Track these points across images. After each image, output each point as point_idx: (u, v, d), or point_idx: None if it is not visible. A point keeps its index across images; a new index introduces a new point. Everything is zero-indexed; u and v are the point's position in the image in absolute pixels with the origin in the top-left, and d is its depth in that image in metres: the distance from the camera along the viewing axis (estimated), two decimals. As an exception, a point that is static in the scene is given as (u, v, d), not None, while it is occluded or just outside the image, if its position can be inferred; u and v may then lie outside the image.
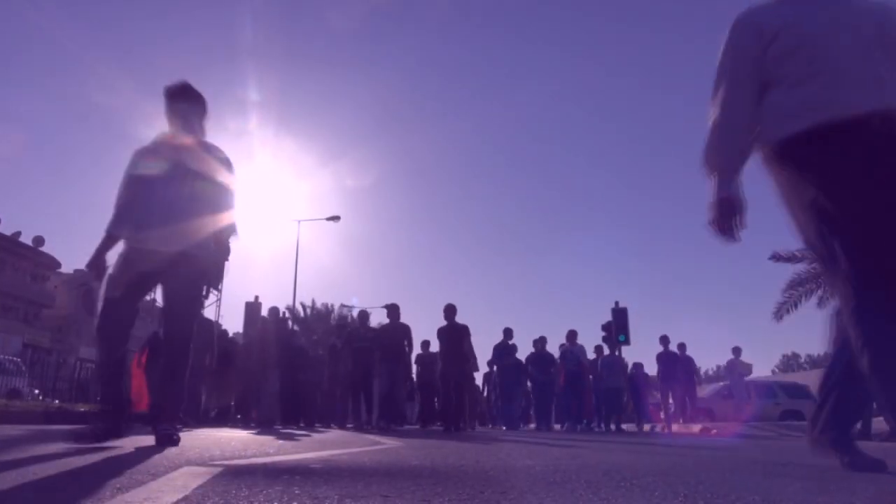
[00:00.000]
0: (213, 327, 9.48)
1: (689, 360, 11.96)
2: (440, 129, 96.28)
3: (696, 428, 11.15)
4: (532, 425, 12.93)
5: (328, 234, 68.55)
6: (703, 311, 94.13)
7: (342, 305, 33.61)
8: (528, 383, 11.98)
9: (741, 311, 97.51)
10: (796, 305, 16.54)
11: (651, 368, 12.05)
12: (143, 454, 2.48)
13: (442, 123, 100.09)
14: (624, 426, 11.75)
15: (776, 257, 16.80)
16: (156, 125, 3.46)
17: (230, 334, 12.34)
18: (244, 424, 8.91)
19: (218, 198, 3.39)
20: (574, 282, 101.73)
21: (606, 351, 12.16)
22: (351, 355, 9.33)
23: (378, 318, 13.44)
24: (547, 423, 11.49)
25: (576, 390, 11.42)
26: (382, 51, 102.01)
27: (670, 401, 11.74)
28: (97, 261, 3.23)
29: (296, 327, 19.93)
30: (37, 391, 16.20)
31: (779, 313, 16.84)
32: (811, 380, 17.99)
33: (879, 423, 8.43)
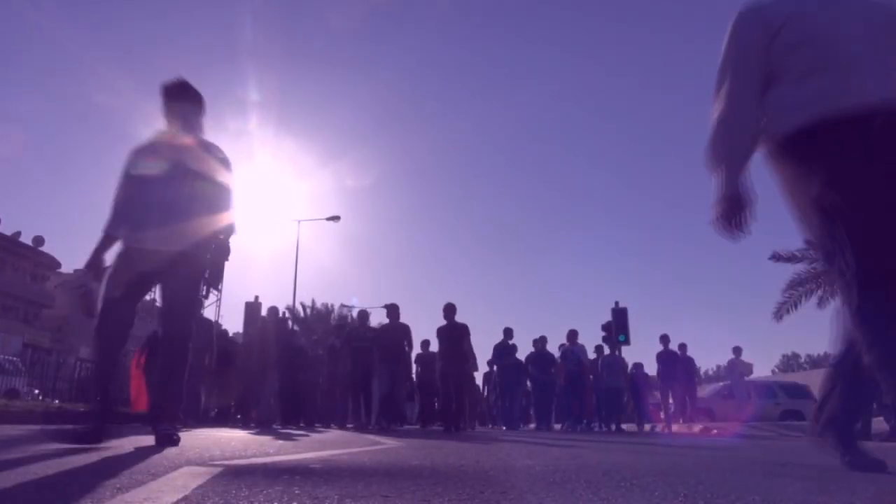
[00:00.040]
0: (212, 327, 9.48)
1: (690, 361, 11.96)
2: (440, 129, 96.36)
3: (696, 428, 11.15)
4: (532, 425, 12.92)
5: (328, 234, 68.73)
6: (703, 311, 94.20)
7: (342, 305, 33.66)
8: (528, 383, 11.98)
9: (741, 311, 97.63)
10: (796, 305, 16.57)
11: (651, 368, 12.06)
12: (142, 454, 2.48)
13: (442, 123, 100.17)
14: (624, 426, 11.74)
15: (776, 257, 16.82)
16: (156, 125, 3.45)
17: (230, 334, 12.35)
18: (244, 424, 8.91)
19: (217, 198, 3.37)
20: (574, 282, 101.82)
21: (607, 351, 12.15)
22: (350, 355, 9.33)
23: (378, 318, 13.43)
24: (547, 423, 11.48)
25: (576, 390, 11.41)
26: (382, 51, 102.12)
27: (670, 401, 11.74)
28: (95, 261, 3.21)
29: (296, 327, 19.93)
30: (37, 391, 16.20)
31: (779, 313, 16.86)
32: (811, 380, 17.99)
33: (879, 423, 8.43)
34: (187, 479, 1.61)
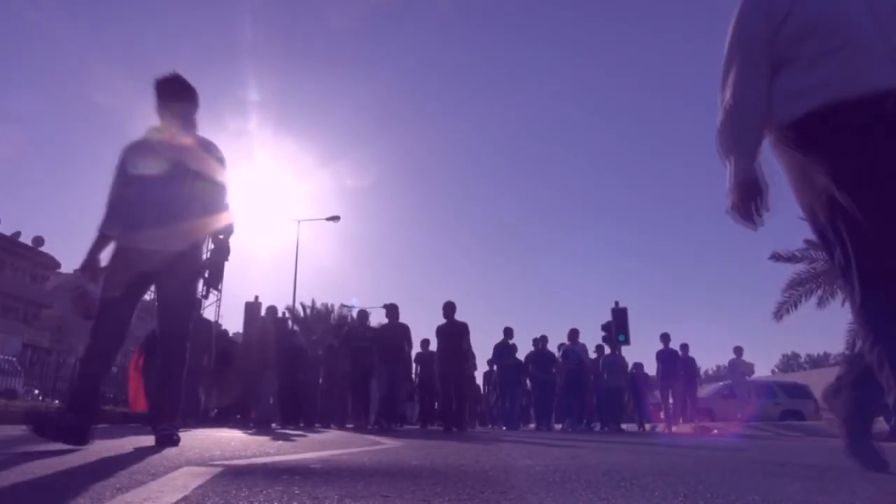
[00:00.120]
0: (211, 327, 9.49)
1: (691, 361, 11.95)
2: (440, 129, 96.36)
3: (696, 428, 11.15)
4: (532, 425, 12.92)
5: (328, 234, 68.74)
6: (703, 311, 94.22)
7: (342, 305, 33.69)
8: (529, 383, 11.98)
9: (741, 311, 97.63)
10: (796, 305, 16.61)
11: (651, 368, 12.05)
12: (142, 454, 2.48)
13: (442, 123, 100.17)
14: (624, 426, 11.74)
15: (776, 257, 16.85)
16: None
17: (230, 334, 12.35)
18: (244, 425, 8.91)
19: (213, 197, 3.33)
20: (574, 282, 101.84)
21: (607, 351, 12.15)
22: (350, 355, 9.33)
23: (378, 318, 13.41)
24: (547, 422, 11.48)
25: (577, 390, 11.40)
26: (382, 51, 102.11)
27: (670, 400, 11.73)
28: (91, 262, 3.16)
29: (296, 327, 19.93)
30: (37, 391, 16.20)
31: (779, 313, 16.89)
32: (811, 380, 18.01)
33: (879, 423, 8.43)
34: (187, 479, 1.61)
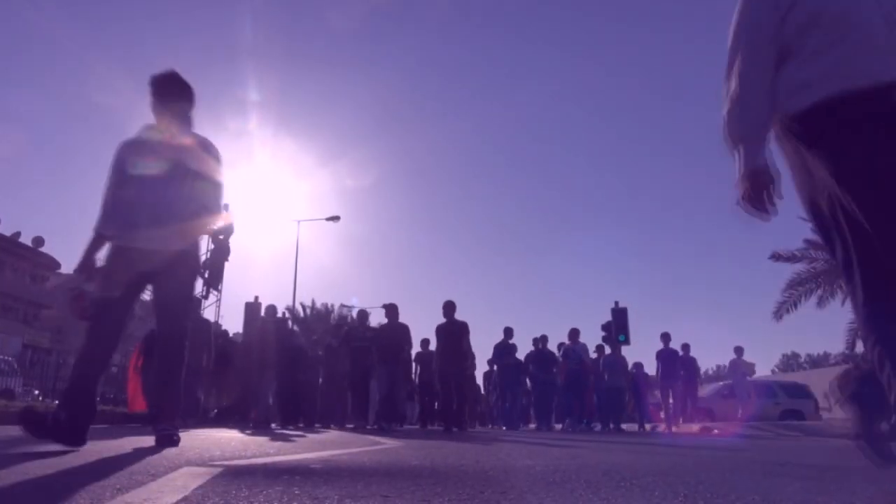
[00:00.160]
0: (210, 327, 9.47)
1: (693, 361, 11.92)
2: (440, 129, 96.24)
3: (696, 428, 11.14)
4: (532, 425, 12.92)
5: (328, 235, 68.54)
6: (704, 311, 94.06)
7: (342, 305, 33.68)
8: (528, 382, 11.97)
9: (741, 311, 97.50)
10: (796, 305, 16.62)
11: (651, 368, 12.04)
12: (142, 454, 2.48)
13: (442, 123, 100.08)
14: (624, 426, 11.73)
15: (776, 257, 16.85)
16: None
17: (230, 334, 12.35)
18: (243, 425, 8.91)
19: (210, 196, 3.30)
20: (574, 282, 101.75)
21: (608, 350, 12.15)
22: (349, 355, 9.32)
23: (378, 319, 13.41)
24: (547, 422, 11.47)
25: (577, 389, 11.39)
26: (382, 51, 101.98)
27: (670, 400, 11.72)
28: (87, 262, 3.11)
29: (296, 327, 19.94)
30: (36, 391, 16.19)
31: (778, 313, 16.89)
32: (811, 380, 18.00)
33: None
34: (187, 480, 1.61)
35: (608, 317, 14.18)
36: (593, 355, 12.00)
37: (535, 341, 11.73)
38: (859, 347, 14.54)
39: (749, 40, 1.85)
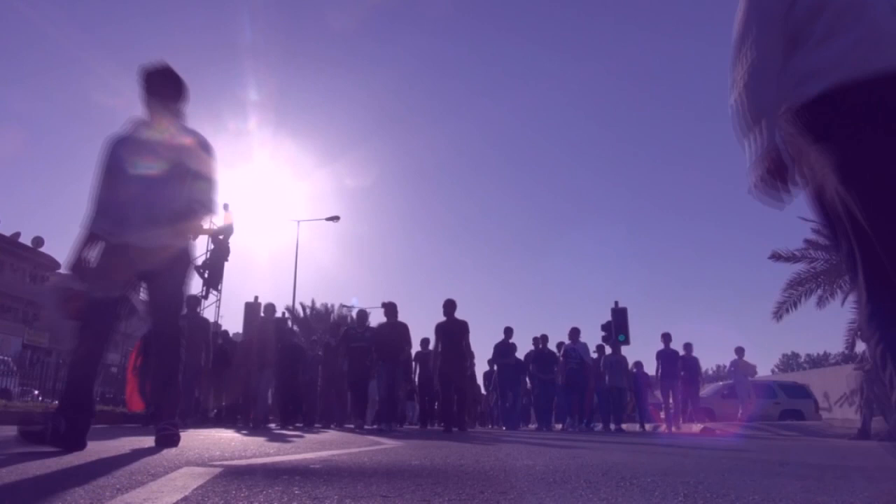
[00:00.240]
0: (208, 326, 9.47)
1: (695, 361, 11.90)
2: (440, 129, 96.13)
3: (696, 428, 11.14)
4: (532, 425, 12.91)
5: (328, 235, 68.65)
6: (703, 311, 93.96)
7: (342, 306, 33.71)
8: (528, 382, 11.97)
9: (741, 311, 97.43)
10: (796, 305, 16.61)
11: (651, 367, 12.03)
12: (142, 454, 2.48)
13: (442, 123, 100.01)
14: (624, 426, 11.74)
15: (776, 257, 16.85)
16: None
17: (230, 334, 12.35)
18: (243, 424, 8.91)
19: (203, 192, 3.21)
20: (574, 282, 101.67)
21: (608, 350, 12.16)
22: (348, 355, 9.31)
23: (378, 319, 13.42)
24: (548, 422, 11.47)
25: (577, 389, 11.39)
26: (382, 51, 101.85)
27: (670, 400, 11.72)
28: (78, 260, 3.02)
29: (295, 327, 19.94)
30: (36, 392, 16.17)
31: (778, 313, 16.88)
32: (811, 379, 18.03)
33: (879, 423, 8.44)
34: (187, 480, 1.61)
35: (608, 317, 14.20)
36: (594, 355, 11.99)
37: (536, 341, 11.72)
38: (859, 347, 14.53)
39: (759, 25, 1.77)
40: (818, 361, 59.53)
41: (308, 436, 5.48)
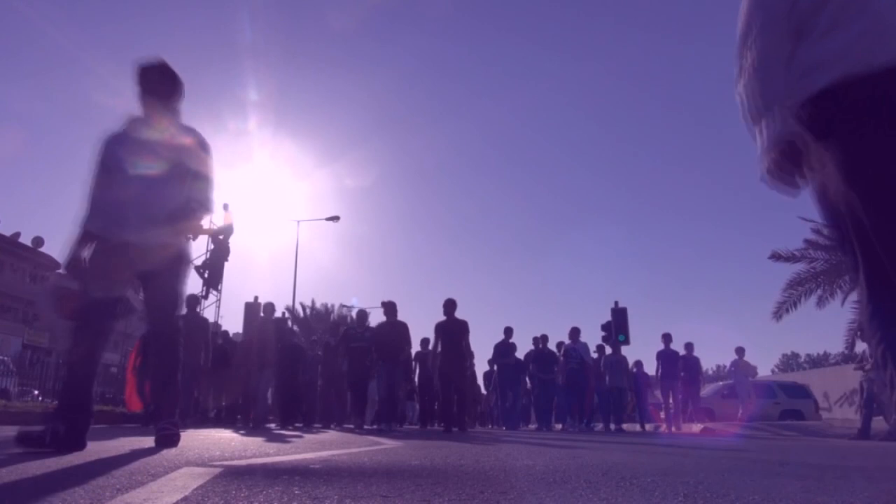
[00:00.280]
0: (208, 325, 9.45)
1: (696, 361, 11.89)
2: (440, 129, 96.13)
3: (696, 428, 11.14)
4: (532, 425, 12.91)
5: (327, 235, 68.72)
6: (703, 311, 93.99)
7: (342, 306, 33.70)
8: (528, 382, 11.97)
9: (741, 311, 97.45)
10: (796, 305, 16.62)
11: (652, 368, 12.03)
12: (142, 454, 2.48)
13: (442, 123, 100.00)
14: (625, 426, 11.74)
15: (776, 257, 16.86)
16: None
17: (231, 334, 12.34)
18: (243, 425, 8.91)
19: (199, 190, 3.17)
20: (574, 282, 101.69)
21: (608, 350, 12.16)
22: (348, 355, 9.30)
23: (377, 318, 13.42)
24: (548, 422, 11.46)
25: (577, 389, 11.38)
26: (382, 51, 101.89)
27: (670, 400, 11.72)
28: (74, 259, 2.98)
29: (295, 327, 19.94)
30: (36, 392, 16.17)
31: (778, 313, 16.90)
32: (811, 379, 18.03)
33: (879, 423, 8.44)
34: (187, 480, 1.61)
35: (608, 317, 14.20)
36: (594, 355, 11.99)
37: (536, 340, 11.72)
38: (859, 347, 14.54)
39: (766, 11, 1.72)
40: (818, 361, 59.54)
41: (308, 436, 5.48)
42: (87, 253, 3.02)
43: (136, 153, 3.07)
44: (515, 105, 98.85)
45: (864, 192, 1.56)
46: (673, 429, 11.27)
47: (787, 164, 1.67)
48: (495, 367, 12.05)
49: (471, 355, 9.22)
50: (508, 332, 11.28)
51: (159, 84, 3.15)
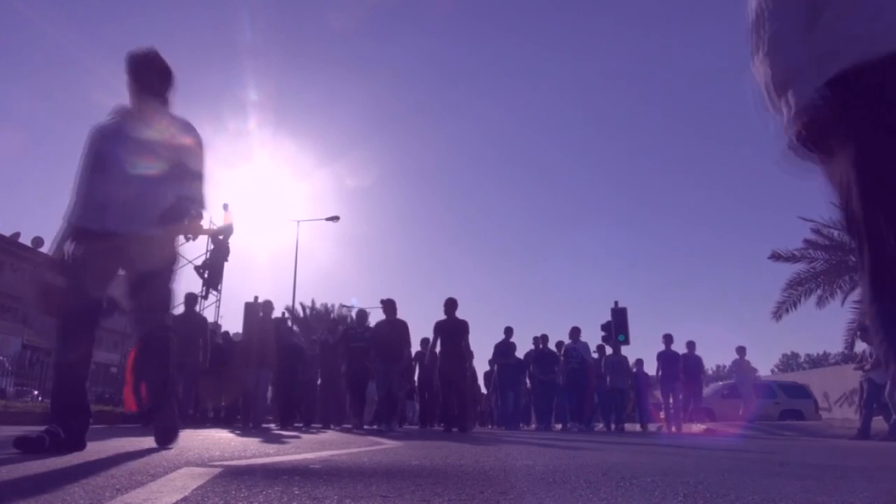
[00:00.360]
0: (206, 324, 9.44)
1: (698, 360, 11.87)
2: (440, 129, 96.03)
3: (696, 428, 11.14)
4: (533, 425, 12.91)
5: (327, 235, 68.63)
6: (703, 311, 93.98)
7: (342, 306, 33.71)
8: (528, 382, 11.97)
9: (741, 311, 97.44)
10: (796, 305, 16.62)
11: (652, 368, 12.02)
12: (141, 454, 2.48)
13: (442, 123, 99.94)
14: (625, 426, 11.74)
15: (776, 257, 16.86)
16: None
17: (231, 334, 12.33)
18: (242, 424, 8.90)
19: (190, 184, 3.08)
20: (574, 282, 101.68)
21: (609, 350, 12.14)
22: (347, 355, 9.29)
23: (377, 318, 13.41)
24: (548, 422, 11.46)
25: (578, 389, 11.38)
26: (382, 51, 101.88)
27: (671, 401, 11.71)
28: (60, 253, 2.88)
29: (295, 327, 19.95)
30: (35, 392, 16.16)
31: (778, 313, 16.90)
32: (811, 379, 18.03)
33: (879, 423, 8.44)
34: (187, 480, 1.61)
35: (608, 317, 14.19)
36: (594, 355, 11.99)
37: (536, 340, 11.72)
38: (859, 347, 14.54)
39: (773, 11, 1.71)
40: (818, 361, 59.55)
41: (307, 436, 5.47)
42: (72, 248, 2.92)
43: (125, 147, 2.98)
44: (515, 105, 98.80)
45: (874, 178, 1.54)
46: (673, 429, 11.27)
47: (808, 140, 1.61)
48: (495, 367, 12.05)
49: (471, 355, 9.20)
50: (508, 331, 11.27)
51: (149, 74, 3.05)
